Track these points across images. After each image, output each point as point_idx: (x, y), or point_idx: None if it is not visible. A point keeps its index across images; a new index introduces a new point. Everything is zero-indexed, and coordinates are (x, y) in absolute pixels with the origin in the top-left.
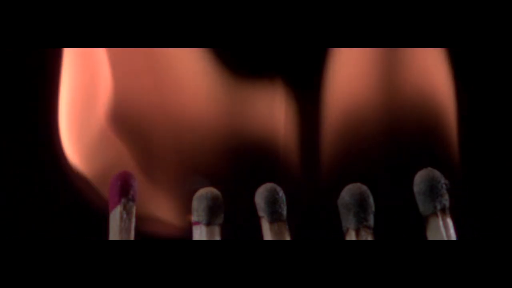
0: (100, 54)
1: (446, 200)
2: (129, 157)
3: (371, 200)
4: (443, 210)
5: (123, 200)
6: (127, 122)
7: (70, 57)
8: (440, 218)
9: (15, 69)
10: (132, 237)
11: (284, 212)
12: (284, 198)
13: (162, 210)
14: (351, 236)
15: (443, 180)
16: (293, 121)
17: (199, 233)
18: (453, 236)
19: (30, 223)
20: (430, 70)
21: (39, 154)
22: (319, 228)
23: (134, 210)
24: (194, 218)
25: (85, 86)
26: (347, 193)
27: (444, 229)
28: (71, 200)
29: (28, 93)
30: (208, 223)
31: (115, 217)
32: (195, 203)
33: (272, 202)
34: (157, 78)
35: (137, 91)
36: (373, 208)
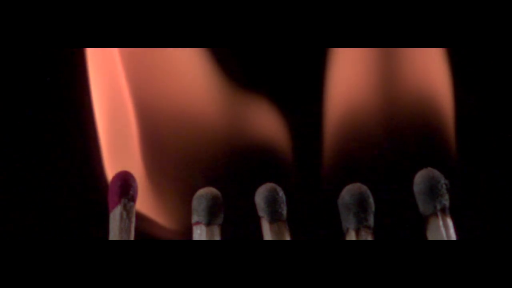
0: (112, 54)
1: (446, 200)
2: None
3: (371, 200)
4: (443, 210)
5: (123, 200)
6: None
7: (91, 57)
8: (440, 218)
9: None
10: (132, 237)
11: (284, 212)
12: (284, 198)
13: (162, 212)
14: (351, 236)
15: (443, 180)
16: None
17: (199, 233)
18: (453, 236)
19: (30, 223)
20: (430, 70)
21: (39, 154)
22: (319, 228)
23: (134, 210)
24: (194, 218)
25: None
26: (347, 193)
27: (444, 229)
28: (71, 199)
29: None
30: (208, 223)
31: (115, 217)
32: (195, 203)
33: (272, 202)
34: (157, 78)
35: (136, 91)
36: (373, 208)
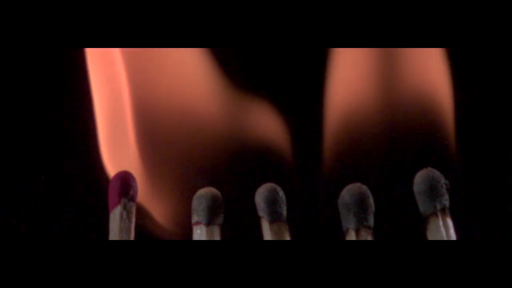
0: (112, 54)
1: (446, 200)
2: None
3: (371, 200)
4: (443, 210)
5: (123, 200)
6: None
7: (91, 57)
8: (440, 218)
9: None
10: (132, 237)
11: (284, 212)
12: (284, 198)
13: (162, 212)
14: (351, 236)
15: (443, 180)
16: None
17: (199, 233)
18: (453, 236)
19: (30, 223)
20: (430, 70)
21: (39, 154)
22: (319, 228)
23: (134, 210)
24: (194, 218)
25: (110, 85)
26: (347, 193)
27: (444, 229)
28: (71, 199)
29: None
30: (208, 223)
31: (115, 217)
32: (195, 203)
33: (272, 202)
34: (157, 78)
35: (136, 91)
36: (373, 208)
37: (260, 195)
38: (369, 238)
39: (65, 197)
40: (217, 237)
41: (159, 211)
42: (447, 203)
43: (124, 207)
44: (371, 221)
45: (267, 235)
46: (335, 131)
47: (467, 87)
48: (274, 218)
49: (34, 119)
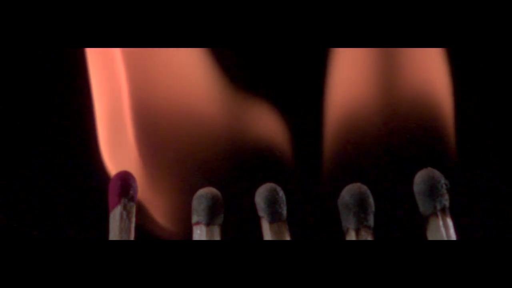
0: (112, 54)
1: (446, 200)
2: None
3: (371, 200)
4: (443, 210)
5: (123, 200)
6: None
7: (92, 57)
8: (440, 218)
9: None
10: (132, 237)
11: (284, 212)
12: (284, 198)
13: (162, 212)
14: (351, 236)
15: (443, 180)
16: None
17: (199, 233)
18: (453, 236)
19: (30, 222)
20: (430, 70)
21: (39, 154)
22: (319, 228)
23: (134, 210)
24: (194, 218)
25: (110, 85)
26: (347, 193)
27: (444, 229)
28: (71, 199)
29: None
30: (208, 223)
31: (115, 217)
32: (195, 203)
33: (272, 202)
34: (157, 78)
35: (137, 91)
36: (373, 208)
37: (260, 195)
38: (369, 238)
39: (65, 197)
40: (217, 237)
41: (159, 211)
42: (447, 203)
43: (124, 207)
44: (371, 221)
45: (267, 235)
46: (335, 131)
47: (467, 87)
48: (274, 218)
49: (34, 119)
